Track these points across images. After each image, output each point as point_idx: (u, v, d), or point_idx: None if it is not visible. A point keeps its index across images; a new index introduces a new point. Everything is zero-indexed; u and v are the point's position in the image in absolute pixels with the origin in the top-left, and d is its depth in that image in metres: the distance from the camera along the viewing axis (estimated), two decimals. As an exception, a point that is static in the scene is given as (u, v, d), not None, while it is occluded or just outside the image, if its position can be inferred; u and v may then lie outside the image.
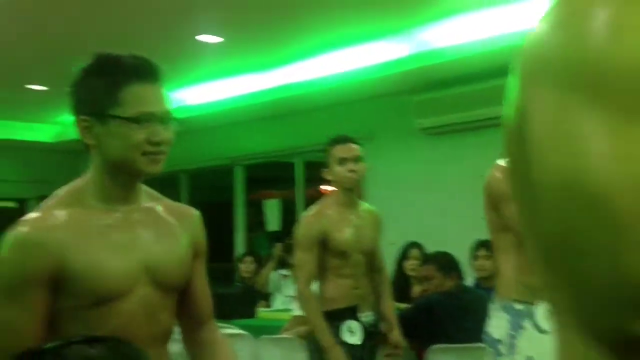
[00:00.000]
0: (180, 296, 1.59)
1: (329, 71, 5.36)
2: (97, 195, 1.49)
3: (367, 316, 3.14)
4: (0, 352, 1.33)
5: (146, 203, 1.57)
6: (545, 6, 0.53)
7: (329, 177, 3.25)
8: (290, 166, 6.70)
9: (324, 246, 3.18)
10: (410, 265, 4.43)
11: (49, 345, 0.68)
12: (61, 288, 1.39)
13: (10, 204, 8.12)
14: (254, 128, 6.65)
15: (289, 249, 4.66)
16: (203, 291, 1.65)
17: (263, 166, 7.22)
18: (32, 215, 1.44)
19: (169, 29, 4.49)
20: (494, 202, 2.43)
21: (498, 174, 2.43)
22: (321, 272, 3.20)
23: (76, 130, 1.48)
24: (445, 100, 5.22)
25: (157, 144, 1.47)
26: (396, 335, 3.23)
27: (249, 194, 7.17)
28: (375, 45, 4.99)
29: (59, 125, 7.40)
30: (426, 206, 5.53)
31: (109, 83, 1.46)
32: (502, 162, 2.46)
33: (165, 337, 1.52)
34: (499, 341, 2.39)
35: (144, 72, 1.47)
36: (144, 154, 1.46)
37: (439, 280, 3.53)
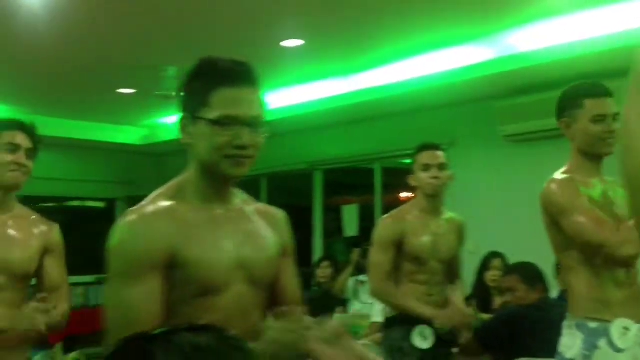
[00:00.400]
0: (271, 294, 1.62)
1: (410, 75, 5.30)
2: (195, 193, 1.54)
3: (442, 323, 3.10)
4: (121, 333, 1.37)
5: (238, 204, 1.62)
6: (628, 12, 0.52)
7: (413, 183, 3.26)
8: (369, 172, 6.68)
9: (400, 250, 3.18)
10: (492, 276, 4.33)
11: (158, 330, 0.69)
12: (170, 277, 1.43)
13: (99, 204, 8.43)
14: (334, 133, 6.66)
15: (366, 255, 4.64)
16: (293, 290, 1.68)
17: (342, 171, 7.22)
18: (143, 204, 1.51)
19: (254, 35, 4.56)
20: (553, 218, 2.33)
21: (554, 187, 2.33)
22: (396, 277, 3.20)
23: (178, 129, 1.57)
24: (530, 107, 5.06)
25: (241, 147, 1.49)
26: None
27: (328, 199, 7.19)
28: (458, 49, 4.91)
29: (145, 128, 7.64)
30: (508, 215, 5.39)
31: (203, 85, 1.51)
32: (558, 175, 2.36)
33: (256, 334, 1.56)
34: None
35: (236, 76, 1.50)
36: (227, 156, 1.49)
37: (522, 292, 3.42)
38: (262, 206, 1.70)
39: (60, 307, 2.43)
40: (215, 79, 1.50)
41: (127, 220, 1.46)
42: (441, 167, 3.21)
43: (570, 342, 2.31)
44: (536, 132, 5.10)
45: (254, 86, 1.51)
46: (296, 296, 1.68)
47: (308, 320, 1.45)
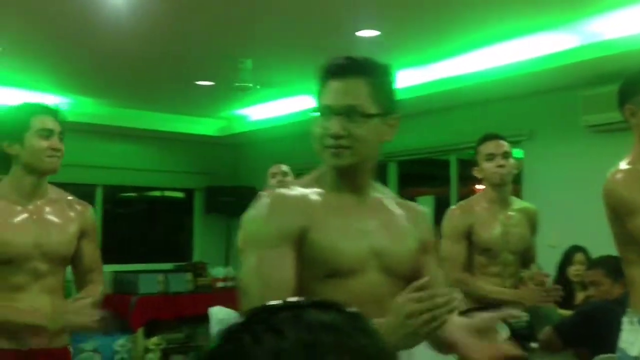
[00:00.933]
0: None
1: (487, 65, 5.18)
2: (330, 183, 1.61)
3: (516, 317, 3.02)
4: (257, 300, 1.43)
5: (374, 194, 1.66)
6: None
7: (478, 175, 3.21)
8: (444, 163, 6.58)
9: (470, 242, 3.13)
10: (575, 270, 4.20)
11: (288, 302, 0.69)
12: (301, 255, 1.50)
13: (179, 195, 8.65)
14: (409, 124, 6.56)
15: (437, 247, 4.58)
16: (435, 286, 1.64)
17: (417, 162, 7.15)
18: (281, 188, 1.62)
19: (330, 25, 4.56)
20: (616, 212, 2.21)
21: (619, 178, 2.21)
22: (468, 269, 3.16)
23: None
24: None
25: (334, 137, 1.52)
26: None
27: (402, 190, 7.13)
28: (539, 37, 4.76)
29: (223, 120, 7.78)
30: (590, 208, 5.18)
31: (319, 80, 1.61)
32: (623, 165, 2.24)
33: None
34: (636, 359, 2.19)
35: (337, 68, 1.57)
36: (326, 146, 1.55)
37: (607, 286, 3.30)
38: (401, 199, 1.74)
39: (96, 288, 2.47)
40: (322, 72, 1.58)
41: (267, 199, 1.55)
42: (505, 155, 3.16)
43: (632, 337, 2.22)
44: (621, 122, 4.87)
45: (352, 77, 1.55)
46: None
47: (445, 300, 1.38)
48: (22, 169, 2.37)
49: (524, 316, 3.09)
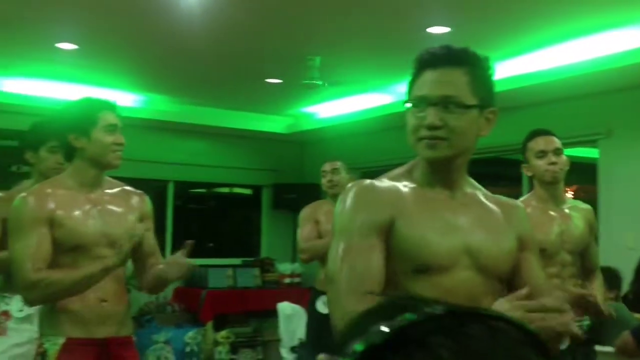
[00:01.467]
0: (511, 288, 1.56)
1: (562, 62, 5.03)
2: (421, 176, 1.57)
3: (579, 320, 2.91)
4: (352, 290, 1.41)
5: (468, 190, 1.62)
6: None
7: (528, 173, 3.13)
8: (515, 163, 6.43)
9: None
10: (652, 273, 4.03)
11: (435, 313, 0.55)
12: (389, 248, 1.48)
13: (246, 191, 8.76)
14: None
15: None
16: (537, 285, 1.59)
17: (486, 161, 7.01)
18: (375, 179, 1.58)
19: (400, 21, 4.53)
20: None
21: None
22: None
23: None
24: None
25: (430, 128, 1.48)
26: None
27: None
28: (617, 33, 4.59)
29: (290, 117, 7.83)
30: (671, 210, 4.99)
31: (412, 73, 1.57)
32: None
33: None
34: None
35: (433, 57, 1.53)
36: (420, 138, 1.50)
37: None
38: (495, 195, 1.68)
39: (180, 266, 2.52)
40: (416, 62, 1.55)
41: (357, 188, 1.53)
42: (557, 152, 3.04)
43: None
44: None
45: (450, 67, 1.51)
46: (540, 291, 1.57)
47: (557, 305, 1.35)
48: (86, 161, 2.44)
49: (585, 320, 2.98)
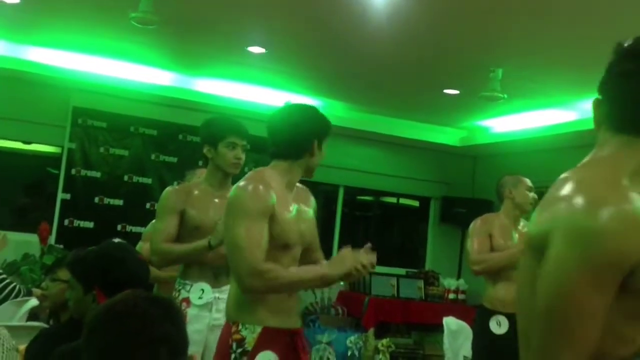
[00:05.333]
0: None
1: None
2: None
3: None
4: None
5: None
6: None
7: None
8: None
9: None
10: None
11: None
12: (627, 283, 1.23)
13: (413, 203, 8.70)
14: None
15: None
16: None
17: None
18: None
19: (590, 35, 4.29)
20: None
21: None
22: None
23: None
24: None
25: None
26: None
27: None
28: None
29: (464, 130, 7.68)
30: None
31: None
32: None
33: None
34: None
35: None
36: None
37: None
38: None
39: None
40: None
41: (620, 211, 1.22)
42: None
43: None
44: None
45: None
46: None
47: None
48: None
49: None
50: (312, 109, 2.60)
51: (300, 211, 2.55)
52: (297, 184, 2.62)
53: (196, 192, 3.24)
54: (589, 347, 1.21)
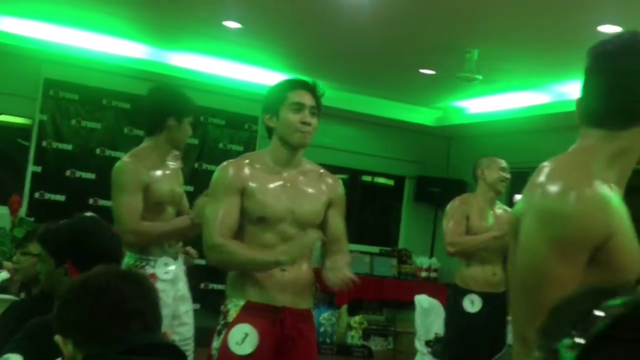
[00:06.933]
0: None
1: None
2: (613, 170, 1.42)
3: None
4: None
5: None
6: None
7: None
8: None
9: None
10: None
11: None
12: (598, 258, 1.33)
13: (388, 182, 8.73)
14: None
15: None
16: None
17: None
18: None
19: (568, 19, 4.31)
20: None
21: None
22: None
23: None
24: None
25: None
26: None
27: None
28: None
29: (440, 110, 7.71)
30: None
31: None
32: None
33: None
34: None
35: None
36: None
37: None
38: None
39: (342, 258, 2.52)
40: None
41: (584, 192, 1.35)
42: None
43: None
44: None
45: None
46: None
47: None
48: (278, 141, 2.54)
49: None
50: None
51: (294, 190, 2.54)
52: (323, 171, 2.66)
53: (149, 163, 3.22)
54: None
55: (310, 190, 2.58)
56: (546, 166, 1.43)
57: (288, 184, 2.54)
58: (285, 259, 2.39)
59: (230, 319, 2.44)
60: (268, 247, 2.46)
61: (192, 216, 3.06)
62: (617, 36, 1.44)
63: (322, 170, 2.68)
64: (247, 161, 2.55)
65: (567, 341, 0.59)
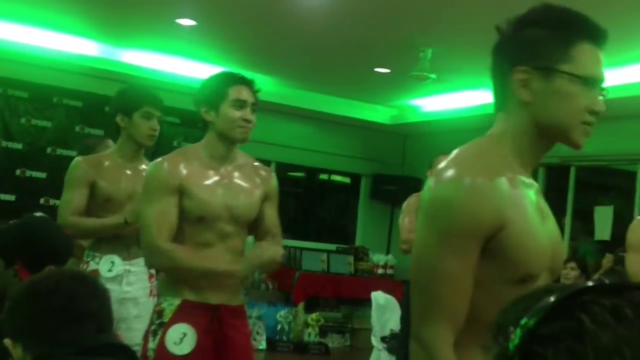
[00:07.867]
0: None
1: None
2: (517, 156, 1.40)
3: None
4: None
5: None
6: None
7: None
8: (629, 175, 6.12)
9: None
10: None
11: (613, 285, 0.62)
12: (492, 258, 1.30)
13: (345, 180, 8.76)
14: (595, 128, 6.19)
15: (620, 262, 4.28)
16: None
17: (597, 170, 6.72)
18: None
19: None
20: None
21: None
22: None
23: (510, 84, 1.40)
24: None
25: (596, 113, 1.36)
26: None
27: (578, 197, 6.74)
28: None
29: (395, 109, 7.77)
30: None
31: (558, 36, 1.35)
32: None
33: None
34: None
35: (596, 33, 1.35)
36: (583, 122, 1.35)
37: None
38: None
39: (275, 249, 2.53)
40: (574, 31, 1.34)
41: (465, 182, 1.30)
42: None
43: None
44: None
45: (603, 48, 1.37)
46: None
47: None
48: (216, 135, 2.50)
49: None
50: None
51: (230, 185, 2.50)
52: (256, 164, 2.62)
53: (107, 163, 3.16)
54: (456, 310, 1.28)
55: (245, 184, 2.54)
56: (450, 155, 1.38)
57: (225, 181, 2.50)
58: (244, 273, 2.44)
59: (166, 318, 2.40)
60: (207, 246, 2.44)
61: (127, 216, 3.01)
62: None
63: (255, 163, 2.64)
64: (182, 157, 2.49)
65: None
